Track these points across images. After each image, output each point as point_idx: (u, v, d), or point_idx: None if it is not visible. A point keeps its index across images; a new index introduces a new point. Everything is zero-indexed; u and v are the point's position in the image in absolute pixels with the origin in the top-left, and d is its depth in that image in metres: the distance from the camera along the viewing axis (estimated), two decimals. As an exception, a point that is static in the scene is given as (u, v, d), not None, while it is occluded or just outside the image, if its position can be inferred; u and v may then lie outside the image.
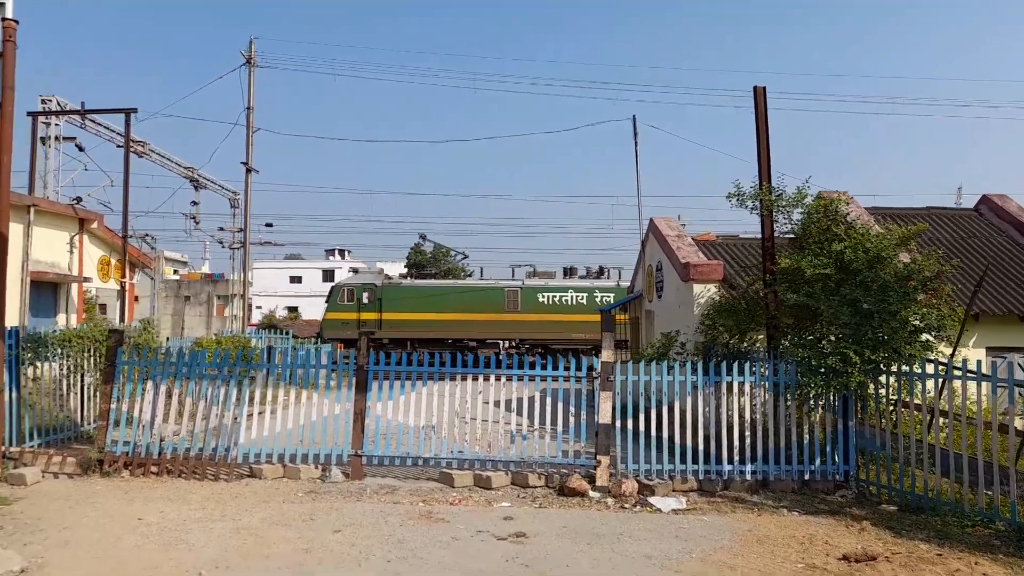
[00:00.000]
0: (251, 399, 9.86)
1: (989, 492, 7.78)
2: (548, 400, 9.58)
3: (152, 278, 35.52)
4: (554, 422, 9.67)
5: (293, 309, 61.19)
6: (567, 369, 9.68)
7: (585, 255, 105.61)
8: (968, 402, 7.97)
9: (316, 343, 26.74)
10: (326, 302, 31.30)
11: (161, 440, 9.57)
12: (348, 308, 30.18)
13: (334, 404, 9.89)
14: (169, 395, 9.74)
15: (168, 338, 25.60)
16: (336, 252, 66.52)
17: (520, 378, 9.70)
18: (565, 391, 9.85)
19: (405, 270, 49.79)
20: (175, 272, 55.52)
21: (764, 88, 10.93)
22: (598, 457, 9.08)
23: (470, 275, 43.50)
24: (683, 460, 9.32)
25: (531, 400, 9.91)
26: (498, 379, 9.71)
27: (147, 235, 31.24)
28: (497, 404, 9.85)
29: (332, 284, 33.74)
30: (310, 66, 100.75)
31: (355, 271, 38.09)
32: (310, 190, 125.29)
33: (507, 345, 30.59)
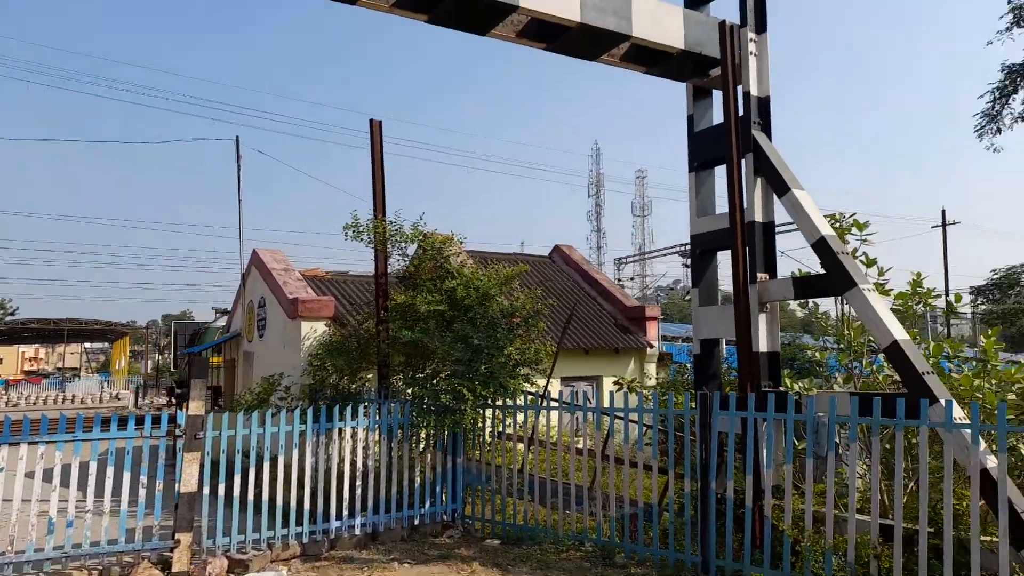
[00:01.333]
0: None
1: (581, 511, 8.33)
2: (112, 466, 7.44)
3: None
4: (118, 494, 7.50)
5: None
6: (139, 426, 7.68)
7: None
8: (552, 428, 8.48)
9: None
10: None
11: None
12: None
13: None
14: None
15: None
16: None
17: (73, 441, 7.36)
18: (137, 452, 7.82)
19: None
20: None
21: (380, 122, 10.63)
22: (177, 535, 7.24)
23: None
24: (286, 523, 8.09)
25: (88, 468, 7.64)
26: (44, 444, 7.20)
27: None
28: (46, 477, 7.33)
29: None
30: None
31: None
32: None
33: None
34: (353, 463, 8.72)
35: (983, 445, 5.89)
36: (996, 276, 19.50)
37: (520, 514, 8.75)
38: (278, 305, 14.34)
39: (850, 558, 6.10)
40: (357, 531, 8.53)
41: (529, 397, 8.99)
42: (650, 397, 10.08)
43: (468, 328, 8.85)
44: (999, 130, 16.64)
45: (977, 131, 16.98)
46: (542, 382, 10.56)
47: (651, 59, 8.62)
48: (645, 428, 10.03)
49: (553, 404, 10.67)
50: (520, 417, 9.21)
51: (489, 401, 8.96)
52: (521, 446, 9.14)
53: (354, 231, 9.93)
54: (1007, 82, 16.14)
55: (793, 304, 10.78)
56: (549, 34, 8.07)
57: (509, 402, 9.02)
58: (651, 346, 17.86)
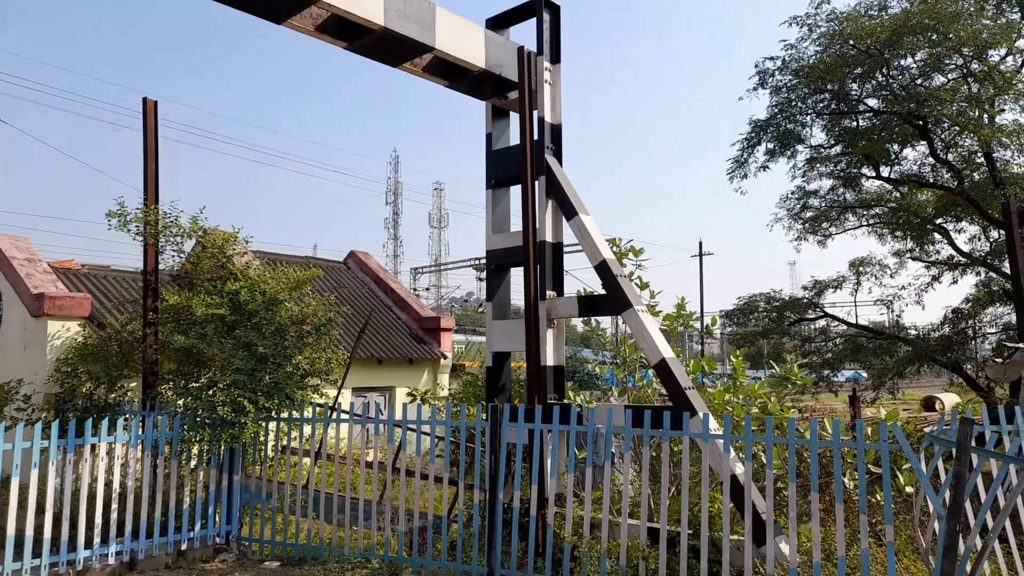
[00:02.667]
0: None
1: (369, 527, 8.10)
2: None
3: None
4: None
5: None
6: None
7: None
8: (343, 441, 8.21)
9: None
10: None
11: None
12: None
13: None
14: None
15: None
16: None
17: None
18: None
19: None
20: None
21: (156, 102, 9.62)
22: None
23: None
24: (19, 555, 6.95)
25: None
26: None
27: None
28: None
29: None
30: None
31: None
32: None
33: None
34: (109, 483, 7.72)
35: (733, 453, 6.65)
36: (741, 302, 22.28)
37: (303, 533, 8.31)
38: (18, 301, 12.37)
39: (622, 561, 6.55)
40: (111, 560, 7.56)
41: (318, 409, 8.59)
42: (443, 408, 10.12)
43: (252, 335, 8.27)
44: (745, 175, 19.14)
45: (728, 174, 19.39)
46: (333, 393, 10.16)
47: (453, 73, 8.73)
48: (437, 440, 10.04)
49: (343, 416, 10.30)
50: (307, 430, 8.77)
51: (273, 413, 8.43)
52: (308, 460, 8.70)
53: (120, 220, 8.86)
54: (753, 134, 18.63)
55: (576, 320, 11.50)
56: (351, 33, 7.85)
57: (296, 414, 8.55)
58: (445, 356, 18.02)
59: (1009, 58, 16.20)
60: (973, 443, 5.85)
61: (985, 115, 15.28)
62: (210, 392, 8.37)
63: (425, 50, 8.09)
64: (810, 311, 21.30)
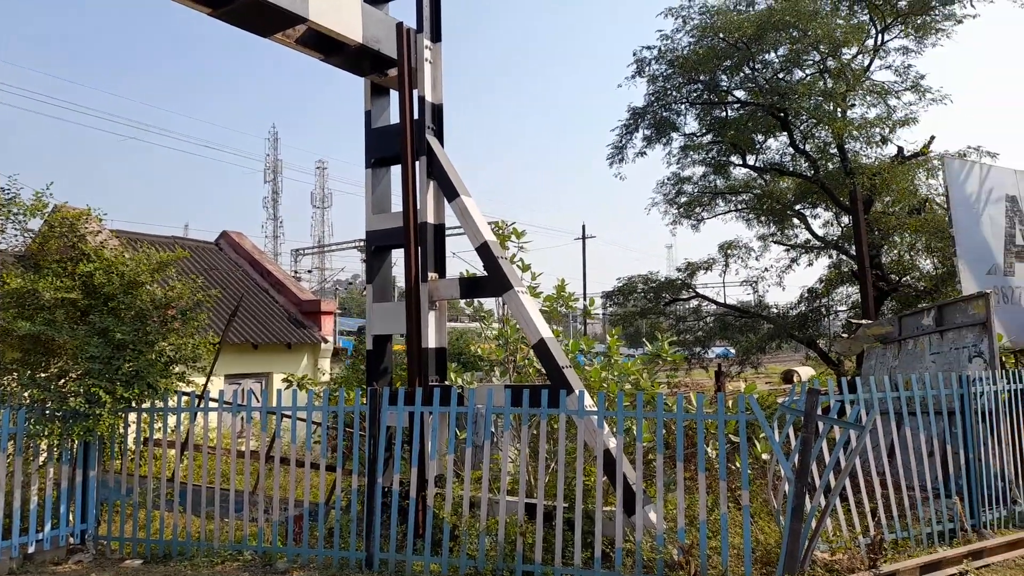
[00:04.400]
0: None
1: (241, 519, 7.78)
2: None
3: None
4: None
5: None
6: None
7: None
8: (211, 431, 7.84)
9: None
10: None
11: None
12: None
13: None
14: None
15: None
16: None
17: None
18: None
19: None
20: None
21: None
22: None
23: None
24: None
25: None
26: None
27: None
28: None
29: None
30: None
31: None
32: None
33: None
34: (-61, 487, 6.99)
35: (607, 429, 6.89)
36: (621, 284, 23.12)
37: (169, 528, 7.88)
38: None
39: (500, 538, 6.66)
40: (-58, 572, 6.86)
41: (184, 398, 8.13)
42: (320, 394, 9.85)
43: (109, 320, 7.68)
44: (624, 160, 19.81)
45: (608, 159, 20.00)
46: (203, 380, 9.65)
47: (329, 47, 8.42)
48: (315, 426, 9.77)
49: (212, 404, 9.81)
50: (172, 420, 8.28)
51: (133, 404, 7.90)
52: (173, 452, 8.23)
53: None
54: (631, 121, 19.28)
55: (463, 302, 11.49)
56: (215, -1, 7.38)
57: (160, 404, 8.06)
58: (326, 341, 17.56)
59: (860, 56, 17.60)
60: (820, 412, 6.37)
61: (838, 109, 16.55)
62: (60, 383, 7.72)
63: (298, 20, 7.73)
64: (684, 292, 22.40)
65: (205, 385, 8.84)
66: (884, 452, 7.87)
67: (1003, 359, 10.52)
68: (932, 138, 17.53)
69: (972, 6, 16.31)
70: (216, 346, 9.41)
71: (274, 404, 7.90)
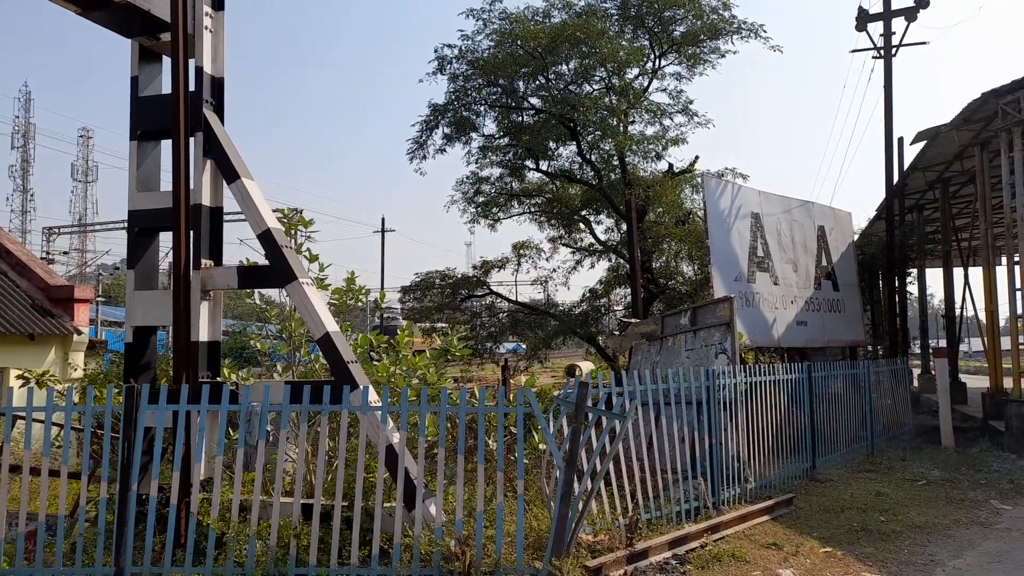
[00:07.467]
0: None
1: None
2: None
3: None
4: None
5: None
6: None
7: None
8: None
9: None
10: None
11: None
12: None
13: None
14: None
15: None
16: None
17: None
18: None
19: None
20: None
21: None
22: None
23: None
24: None
25: None
26: None
27: None
28: None
29: None
30: None
31: None
32: None
33: None
34: None
35: (391, 424, 6.82)
36: (419, 279, 23.16)
37: None
38: None
39: (272, 541, 6.31)
40: None
41: None
42: (63, 392, 8.68)
43: None
44: (424, 157, 19.87)
45: (408, 154, 19.93)
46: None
47: (88, 1, 7.45)
48: (59, 429, 8.59)
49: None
50: None
51: None
52: None
53: None
54: (432, 118, 19.35)
55: (255, 295, 10.76)
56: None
57: None
58: (80, 332, 15.52)
59: (640, 78, 19.17)
60: (591, 404, 6.81)
61: (620, 124, 17.90)
62: None
63: (48, -37, 6.75)
64: (479, 289, 22.96)
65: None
66: (644, 440, 8.64)
67: (744, 356, 12.05)
68: (696, 158, 19.64)
69: (732, 43, 18.52)
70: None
71: (4, 405, 6.81)
